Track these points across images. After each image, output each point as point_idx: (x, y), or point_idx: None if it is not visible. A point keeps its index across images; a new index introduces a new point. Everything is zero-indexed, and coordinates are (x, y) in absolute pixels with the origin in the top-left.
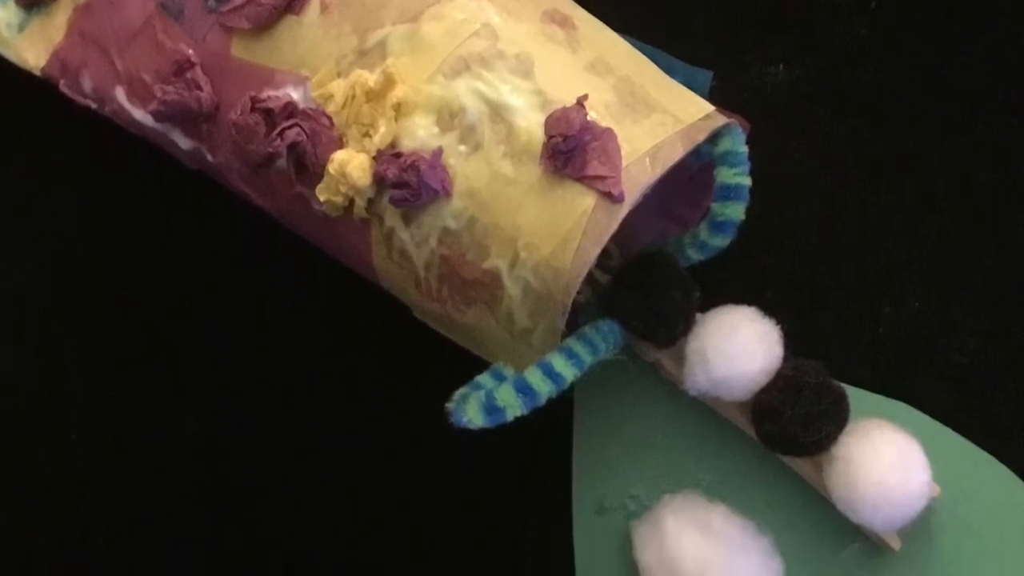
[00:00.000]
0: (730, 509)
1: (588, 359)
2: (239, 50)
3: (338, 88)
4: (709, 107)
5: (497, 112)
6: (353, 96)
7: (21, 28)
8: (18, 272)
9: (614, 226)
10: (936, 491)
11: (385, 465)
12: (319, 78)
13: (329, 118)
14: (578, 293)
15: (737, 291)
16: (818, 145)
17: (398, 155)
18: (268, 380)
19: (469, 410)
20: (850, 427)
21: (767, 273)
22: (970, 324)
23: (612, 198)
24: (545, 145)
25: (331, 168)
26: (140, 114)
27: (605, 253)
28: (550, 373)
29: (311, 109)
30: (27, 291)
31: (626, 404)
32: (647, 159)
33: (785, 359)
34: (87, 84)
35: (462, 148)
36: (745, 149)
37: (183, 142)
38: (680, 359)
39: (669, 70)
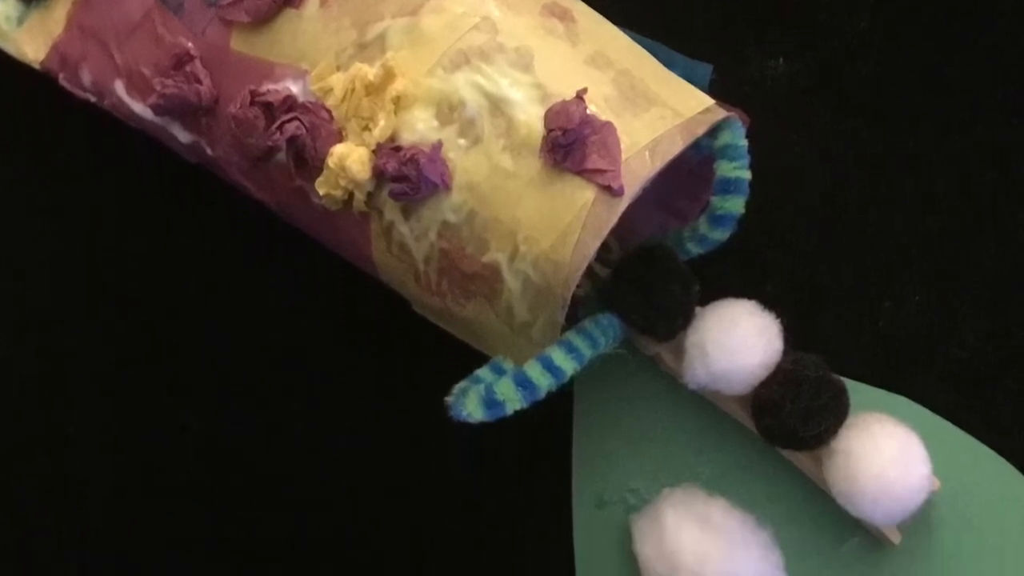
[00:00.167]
0: (730, 503)
1: (588, 353)
2: (238, 43)
3: (337, 82)
4: (709, 101)
5: (497, 105)
6: (352, 90)
7: (20, 21)
8: (18, 272)
9: (614, 220)
10: (936, 485)
11: (385, 464)
12: (318, 72)
13: (328, 112)
14: (578, 287)
15: (737, 285)
16: (818, 139)
17: (397, 149)
18: (268, 380)
19: (468, 404)
20: (850, 421)
21: (767, 267)
22: (970, 322)
23: (612, 192)
24: (545, 139)
25: (330, 162)
26: (139, 107)
27: (604, 247)
28: (550, 367)
29: (310, 103)
30: (27, 291)
31: (626, 398)
32: (647, 153)
33: (785, 353)
34: (86, 77)
35: (462, 142)
36: (745, 143)
37: (182, 135)
38: (680, 353)
39: (669, 64)
